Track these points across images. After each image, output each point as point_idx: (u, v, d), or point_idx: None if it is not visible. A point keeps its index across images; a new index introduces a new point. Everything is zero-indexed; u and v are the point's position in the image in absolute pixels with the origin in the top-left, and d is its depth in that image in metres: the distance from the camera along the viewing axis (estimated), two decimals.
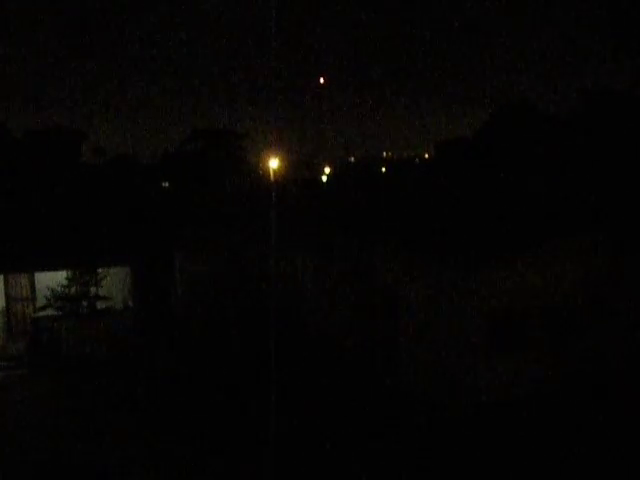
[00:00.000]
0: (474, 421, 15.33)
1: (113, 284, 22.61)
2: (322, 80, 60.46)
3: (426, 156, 78.01)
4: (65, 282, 21.35)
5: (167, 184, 48.08)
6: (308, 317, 23.73)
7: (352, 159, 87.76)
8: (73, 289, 21.29)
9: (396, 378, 18.12)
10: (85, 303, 21.25)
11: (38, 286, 23.19)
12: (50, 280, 22.00)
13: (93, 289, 21.65)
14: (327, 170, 67.22)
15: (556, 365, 16.59)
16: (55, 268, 21.66)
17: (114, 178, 42.12)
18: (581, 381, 16.57)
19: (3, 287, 23.00)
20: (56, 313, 21.14)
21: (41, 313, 21.74)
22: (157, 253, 24.77)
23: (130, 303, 22.32)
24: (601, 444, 13.96)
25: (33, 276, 23.28)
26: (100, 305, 21.60)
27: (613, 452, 13.63)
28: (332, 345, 21.29)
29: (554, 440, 14.28)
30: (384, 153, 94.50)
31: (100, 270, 21.77)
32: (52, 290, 21.27)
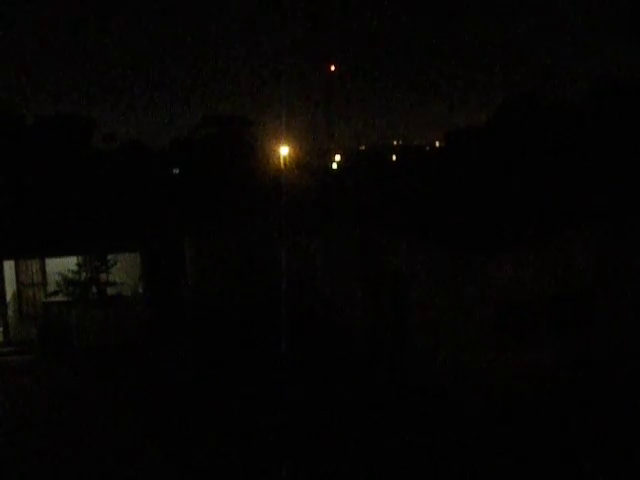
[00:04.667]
0: (483, 409, 15.34)
1: (123, 270, 22.69)
2: (332, 67, 60.29)
3: (437, 144, 77.71)
4: (75, 268, 21.45)
5: (177, 170, 48.15)
6: (318, 303, 23.77)
7: (362, 147, 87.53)
8: (83, 275, 21.39)
9: (405, 364, 18.15)
10: (95, 289, 21.35)
11: (49, 272, 23.31)
12: (61, 266, 22.11)
13: (103, 275, 21.75)
14: (337, 158, 67.11)
15: (567, 354, 16.55)
16: (66, 254, 21.75)
17: (125, 164, 42.18)
18: (593, 370, 16.52)
19: (14, 272, 23.14)
20: (66, 299, 21.25)
21: (52, 298, 21.88)
22: (167, 239, 24.83)
23: (140, 289, 22.40)
24: (610, 435, 13.94)
25: (44, 262, 23.41)
26: (110, 291, 21.70)
27: (623, 443, 13.61)
28: (343, 331, 21.32)
29: (563, 430, 14.27)
30: (394, 141, 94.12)
31: (110, 256, 21.85)
32: (62, 276, 21.38)
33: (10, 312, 21.77)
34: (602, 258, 16.96)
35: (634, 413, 14.87)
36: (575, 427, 14.40)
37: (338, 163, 64.97)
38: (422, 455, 13.46)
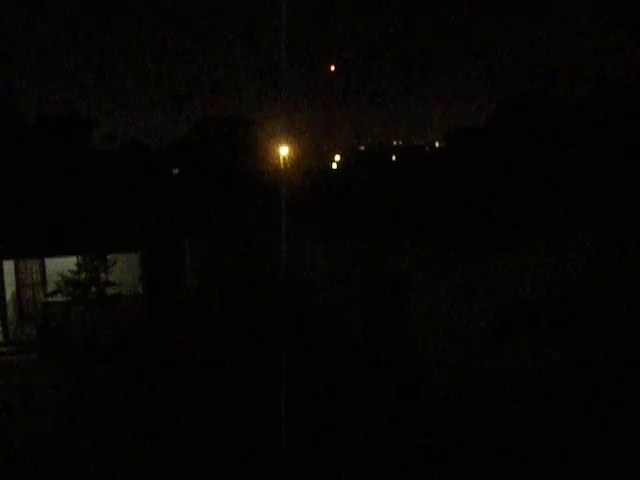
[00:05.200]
0: (482, 409, 15.34)
1: (123, 270, 22.69)
2: (332, 68, 60.26)
3: (437, 144, 77.78)
4: (75, 268, 21.46)
5: (177, 171, 48.15)
6: (318, 303, 23.77)
7: (362, 147, 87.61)
8: (83, 275, 21.39)
9: (405, 364, 18.15)
10: (94, 289, 21.34)
11: (48, 272, 23.32)
12: (60, 266, 22.12)
13: (103, 275, 21.74)
14: (337, 158, 67.21)
15: (567, 354, 16.56)
16: (65, 254, 21.75)
17: (124, 164, 42.17)
18: (593, 370, 16.53)
19: (14, 272, 23.14)
20: (66, 299, 21.25)
21: (51, 299, 21.88)
22: (167, 239, 24.83)
23: (139, 289, 22.39)
24: (610, 435, 13.94)
25: (43, 262, 23.41)
26: (110, 291, 21.70)
27: (623, 443, 13.61)
28: (343, 331, 21.33)
29: (563, 430, 14.28)
30: (394, 141, 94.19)
31: (110, 256, 21.85)
32: (62, 276, 21.38)
33: (10, 312, 21.78)
34: (602, 258, 16.97)
35: (634, 413, 14.88)
36: (575, 427, 14.41)
37: (338, 163, 65.05)
38: (422, 455, 13.46)
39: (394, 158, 68.76)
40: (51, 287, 22.44)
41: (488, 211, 18.78)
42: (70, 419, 15.54)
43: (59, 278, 21.51)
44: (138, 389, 17.32)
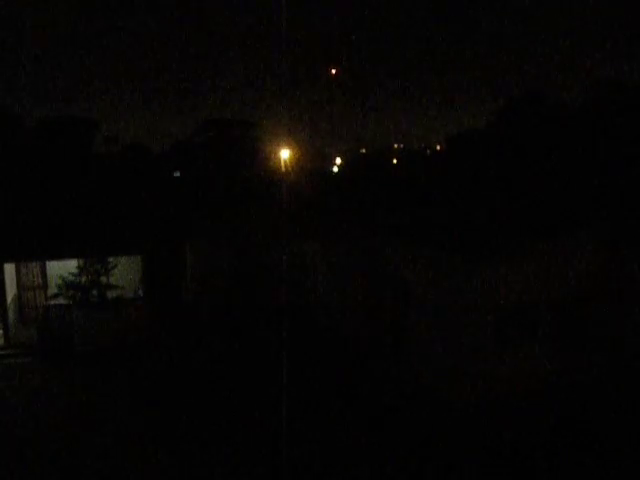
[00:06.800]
0: (481, 413, 15.33)
1: (124, 273, 22.68)
2: (333, 71, 60.30)
3: (437, 148, 77.83)
4: (76, 271, 21.46)
5: (179, 173, 48.22)
6: (318, 307, 23.75)
7: (363, 150, 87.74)
8: (84, 278, 21.39)
9: (405, 369, 18.14)
10: (96, 292, 21.35)
11: (49, 275, 23.30)
12: (61, 269, 22.13)
13: (104, 278, 21.74)
14: (338, 161, 67.30)
15: (566, 359, 16.57)
16: (66, 257, 21.76)
17: (126, 167, 42.23)
18: (590, 375, 16.53)
19: (15, 275, 23.14)
20: (67, 302, 21.25)
21: (52, 302, 21.86)
22: (168, 242, 24.83)
23: (140, 292, 22.39)
24: (607, 438, 13.93)
25: (44, 265, 23.40)
26: (111, 294, 21.69)
27: (618, 446, 13.60)
28: (342, 336, 21.32)
29: (560, 433, 14.28)
30: (395, 145, 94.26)
31: (111, 259, 21.85)
32: (63, 279, 21.38)
33: (11, 315, 21.77)
34: (603, 261, 16.97)
35: (634, 417, 14.88)
36: (572, 431, 14.40)
37: (339, 166, 65.14)
38: (420, 456, 13.46)
39: (395, 161, 68.78)
40: (52, 290, 22.44)
41: (489, 214, 18.77)
42: (71, 422, 15.53)
43: (60, 281, 21.52)
44: (139, 392, 17.31)
